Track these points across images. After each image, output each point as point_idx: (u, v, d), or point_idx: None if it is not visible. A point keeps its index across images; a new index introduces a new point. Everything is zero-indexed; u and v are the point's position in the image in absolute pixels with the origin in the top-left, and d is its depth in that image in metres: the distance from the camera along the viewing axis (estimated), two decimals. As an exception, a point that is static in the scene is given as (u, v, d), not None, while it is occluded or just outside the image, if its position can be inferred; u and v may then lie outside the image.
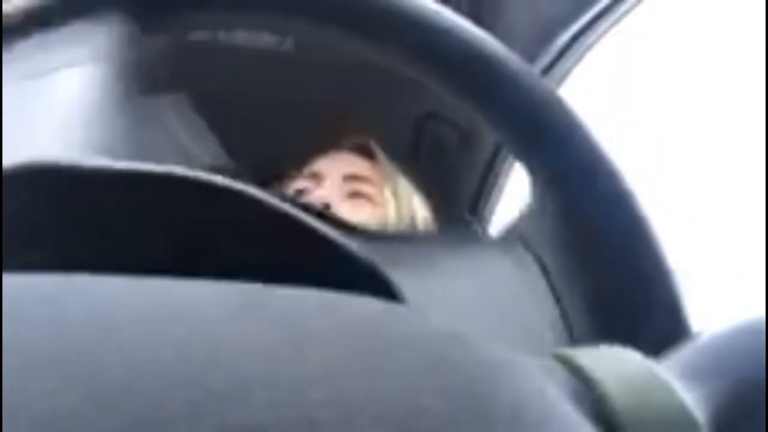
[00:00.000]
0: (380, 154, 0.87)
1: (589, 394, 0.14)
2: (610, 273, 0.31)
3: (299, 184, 0.83)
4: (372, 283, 0.19)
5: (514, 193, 1.06)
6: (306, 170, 0.84)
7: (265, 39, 0.83)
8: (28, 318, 0.11)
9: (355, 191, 0.81)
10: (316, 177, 0.83)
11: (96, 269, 0.13)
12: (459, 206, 1.07)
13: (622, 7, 0.75)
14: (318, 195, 0.77)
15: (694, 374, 0.16)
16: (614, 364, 0.15)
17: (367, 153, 0.87)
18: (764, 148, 0.71)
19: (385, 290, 0.19)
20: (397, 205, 0.83)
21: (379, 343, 0.12)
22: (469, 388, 0.11)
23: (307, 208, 0.31)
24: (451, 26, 0.27)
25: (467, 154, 1.01)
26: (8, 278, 0.12)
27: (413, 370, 0.11)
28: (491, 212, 1.11)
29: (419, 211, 0.86)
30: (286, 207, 0.19)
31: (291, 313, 0.12)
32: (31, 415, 0.09)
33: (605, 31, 0.79)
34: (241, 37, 0.83)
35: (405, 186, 0.87)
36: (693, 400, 0.15)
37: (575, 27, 0.78)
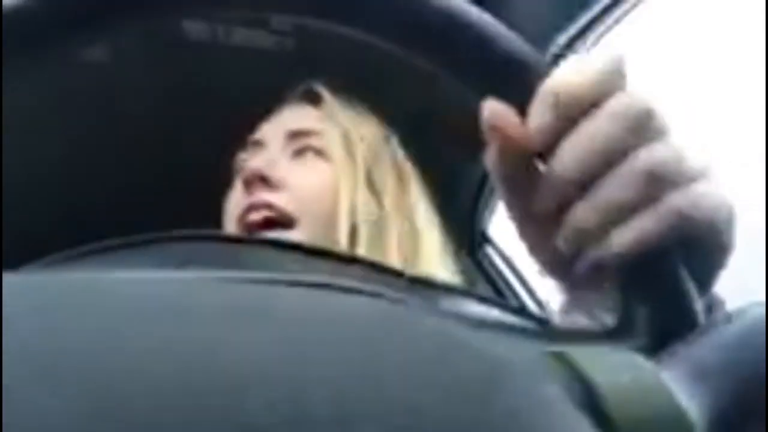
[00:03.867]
0: (328, 96, 0.71)
1: (586, 394, 0.14)
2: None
3: (244, 155, 0.70)
4: None
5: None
6: (250, 139, 0.70)
7: (265, 39, 0.83)
8: (27, 320, 0.11)
9: (302, 147, 0.66)
10: (258, 144, 0.69)
11: None
12: (459, 206, 1.07)
13: (622, 7, 0.75)
14: (251, 166, 0.62)
15: (694, 374, 0.16)
16: (612, 365, 0.15)
17: (315, 99, 0.72)
18: (764, 147, 0.71)
19: None
20: (349, 153, 0.66)
21: (378, 343, 0.12)
22: (468, 388, 0.11)
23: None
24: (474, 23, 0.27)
25: (467, 154, 1.01)
26: (9, 279, 0.12)
27: (412, 369, 0.11)
28: (491, 213, 1.11)
29: (389, 164, 0.69)
30: None
31: (290, 313, 0.12)
32: (31, 416, 0.09)
33: (605, 31, 0.79)
34: (240, 36, 0.83)
35: (369, 131, 0.70)
36: (692, 401, 0.15)
37: (575, 27, 0.78)
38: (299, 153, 0.66)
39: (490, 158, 0.28)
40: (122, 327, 0.11)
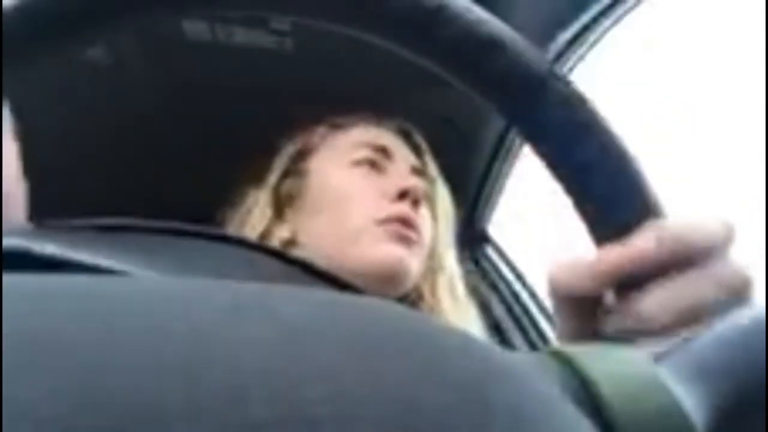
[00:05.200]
0: (427, 151, 0.78)
1: (585, 393, 0.14)
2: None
3: (365, 152, 0.72)
4: None
5: (514, 193, 1.06)
6: (365, 138, 0.74)
7: (265, 39, 0.83)
8: (29, 318, 0.11)
9: (420, 188, 0.71)
10: (385, 153, 0.73)
11: None
12: (459, 206, 1.07)
13: (622, 7, 0.75)
14: (410, 184, 0.67)
15: (694, 374, 0.16)
16: (613, 364, 0.15)
17: (413, 145, 0.78)
18: (764, 148, 0.71)
19: None
20: (443, 207, 0.75)
21: (378, 341, 0.12)
22: (469, 386, 0.11)
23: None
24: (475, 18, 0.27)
25: (467, 154, 1.01)
26: (9, 278, 0.12)
27: (412, 367, 0.11)
28: (491, 212, 1.12)
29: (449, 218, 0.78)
30: None
31: (290, 311, 0.12)
32: (31, 414, 0.09)
33: (605, 31, 0.79)
34: (240, 36, 0.83)
35: (444, 188, 0.78)
36: (692, 401, 0.15)
37: (575, 27, 0.78)
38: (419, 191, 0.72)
39: (567, 273, 0.28)
40: (120, 322, 0.11)
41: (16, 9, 0.26)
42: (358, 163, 0.72)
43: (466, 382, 0.11)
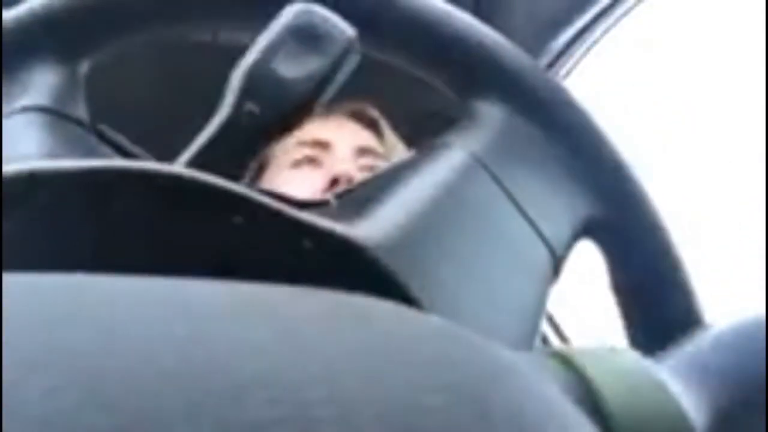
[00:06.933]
0: (384, 124, 0.79)
1: (586, 394, 0.14)
2: (627, 267, 0.31)
3: (303, 150, 0.73)
4: (390, 287, 0.19)
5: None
6: (307, 136, 0.73)
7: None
8: (28, 317, 0.11)
9: (368, 167, 0.71)
10: (324, 146, 0.73)
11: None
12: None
13: (622, 7, 0.75)
14: (341, 168, 0.68)
15: (694, 375, 0.16)
16: (612, 364, 0.15)
17: (368, 122, 0.78)
18: (764, 148, 0.71)
19: (403, 296, 0.19)
20: None
21: (379, 342, 0.12)
22: (470, 387, 0.11)
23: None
24: (461, 27, 0.27)
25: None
26: (9, 278, 0.12)
27: (413, 368, 0.11)
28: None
29: None
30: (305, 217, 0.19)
31: (290, 311, 0.12)
32: (30, 414, 0.09)
33: (605, 31, 0.79)
34: (242, 36, 0.83)
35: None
36: (691, 401, 0.15)
37: (575, 27, 0.78)
38: (367, 170, 0.71)
39: None
40: (120, 322, 0.11)
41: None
42: (298, 163, 0.72)
43: (467, 383, 0.11)
